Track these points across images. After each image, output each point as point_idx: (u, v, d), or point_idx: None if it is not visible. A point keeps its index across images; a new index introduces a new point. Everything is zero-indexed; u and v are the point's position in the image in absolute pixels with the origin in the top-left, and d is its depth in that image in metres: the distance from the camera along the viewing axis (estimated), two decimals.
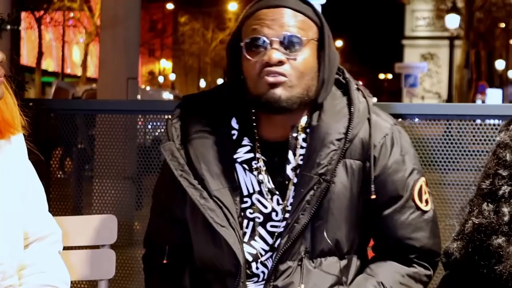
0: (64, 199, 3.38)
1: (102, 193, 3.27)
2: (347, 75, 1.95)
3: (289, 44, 1.81)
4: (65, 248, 1.86)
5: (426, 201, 1.91)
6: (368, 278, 1.88)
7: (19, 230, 1.67)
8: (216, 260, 1.87)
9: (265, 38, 1.81)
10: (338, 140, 1.83)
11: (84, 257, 2.14)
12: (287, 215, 1.86)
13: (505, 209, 1.46)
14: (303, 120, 1.89)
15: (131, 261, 3.26)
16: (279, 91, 1.80)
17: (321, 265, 1.84)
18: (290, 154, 1.87)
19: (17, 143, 1.71)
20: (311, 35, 1.85)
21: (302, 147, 1.87)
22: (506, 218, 1.46)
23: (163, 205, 2.01)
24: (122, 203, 3.32)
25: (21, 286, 1.68)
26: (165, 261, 1.95)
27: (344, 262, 1.87)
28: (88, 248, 2.17)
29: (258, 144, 1.89)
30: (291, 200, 1.86)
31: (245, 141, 1.90)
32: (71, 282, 1.79)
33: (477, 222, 1.48)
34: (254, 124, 1.90)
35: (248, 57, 1.84)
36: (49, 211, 1.81)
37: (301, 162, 1.86)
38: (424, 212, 1.90)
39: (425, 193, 1.92)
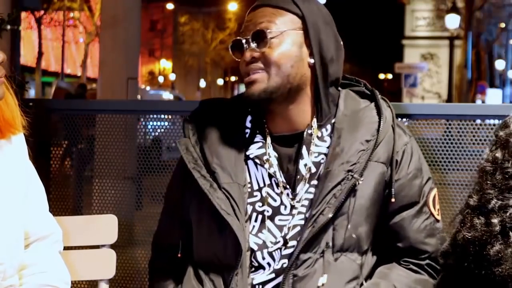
0: (64, 199, 3.38)
1: (102, 193, 3.26)
2: (370, 87, 2.05)
3: (257, 40, 1.91)
4: (65, 248, 1.86)
5: (438, 211, 2.00)
6: (382, 281, 1.92)
7: (19, 230, 1.67)
8: (218, 251, 1.90)
9: (241, 40, 1.94)
10: (367, 141, 1.92)
11: (84, 257, 2.14)
12: (302, 209, 1.91)
13: (495, 220, 1.47)
14: (314, 120, 1.95)
15: (131, 261, 3.25)
16: (254, 87, 1.91)
17: (342, 259, 1.88)
18: (304, 150, 1.94)
19: (18, 143, 1.71)
20: (288, 26, 1.93)
21: (317, 145, 1.94)
22: (497, 229, 1.46)
23: (173, 206, 2.06)
24: (122, 203, 3.32)
25: (22, 286, 1.69)
26: (179, 255, 2.01)
27: (362, 258, 1.92)
28: (88, 248, 2.17)
29: (269, 138, 1.97)
30: (306, 196, 1.92)
31: (258, 138, 1.98)
32: (71, 282, 1.79)
33: (469, 236, 1.49)
34: (265, 120, 1.98)
35: (236, 59, 1.96)
36: (49, 211, 1.81)
37: (315, 160, 1.93)
38: (437, 220, 1.99)
39: (437, 203, 2.01)
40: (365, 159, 1.90)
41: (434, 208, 1.98)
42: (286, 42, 1.92)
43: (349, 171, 1.88)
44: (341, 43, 2.01)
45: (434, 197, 1.99)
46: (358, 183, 1.88)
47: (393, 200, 1.92)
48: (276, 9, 1.94)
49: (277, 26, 1.92)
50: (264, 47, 1.90)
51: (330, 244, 1.87)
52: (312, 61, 1.93)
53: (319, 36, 1.93)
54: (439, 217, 1.99)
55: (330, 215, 1.86)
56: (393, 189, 1.92)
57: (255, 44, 1.91)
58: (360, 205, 1.89)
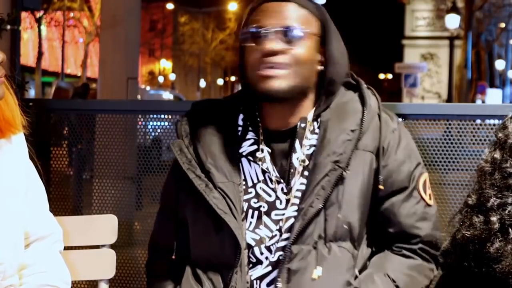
0: (64, 199, 3.38)
1: (102, 193, 3.26)
2: (356, 77, 2.05)
3: (289, 35, 1.89)
4: (65, 248, 1.86)
5: (430, 196, 2.00)
6: (374, 271, 1.92)
7: (19, 230, 1.67)
8: (216, 250, 1.90)
9: (266, 28, 1.89)
10: (352, 131, 1.92)
11: (84, 257, 2.15)
12: (295, 200, 1.91)
13: (494, 218, 1.47)
14: (310, 114, 1.96)
15: (131, 261, 3.25)
16: (274, 82, 1.87)
17: (335, 250, 1.88)
18: (297, 143, 1.94)
19: (18, 143, 1.71)
20: (312, 30, 1.92)
21: (309, 138, 1.95)
22: (496, 226, 1.47)
23: (169, 208, 2.06)
24: (122, 203, 3.32)
25: (22, 286, 1.69)
26: (173, 257, 2.02)
27: (356, 249, 1.92)
28: (88, 248, 2.17)
29: (262, 133, 1.97)
30: (298, 187, 1.92)
31: (249, 135, 1.98)
32: (71, 282, 1.79)
33: (468, 235, 1.50)
34: (258, 115, 1.98)
35: (250, 45, 1.91)
36: (49, 211, 1.81)
37: (308, 152, 1.93)
38: (428, 205, 1.98)
39: (428, 188, 2.00)
40: (351, 149, 1.90)
41: (425, 192, 1.98)
42: (309, 44, 1.92)
43: (335, 161, 1.88)
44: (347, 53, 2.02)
45: (425, 181, 1.99)
46: (346, 173, 1.88)
47: (380, 187, 1.92)
48: (303, 8, 1.93)
49: (305, 27, 1.91)
50: (294, 44, 1.89)
51: (322, 234, 1.87)
52: (320, 68, 1.95)
53: (332, 44, 1.94)
54: (431, 202, 1.99)
55: (320, 206, 1.86)
56: (380, 176, 1.92)
57: (283, 37, 1.89)
58: (350, 194, 1.89)
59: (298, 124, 1.94)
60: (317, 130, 1.95)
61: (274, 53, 1.87)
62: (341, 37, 2.00)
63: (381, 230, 1.98)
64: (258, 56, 1.89)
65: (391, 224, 1.96)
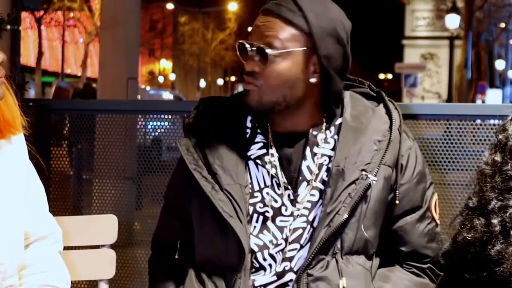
0: (64, 199, 3.38)
1: (102, 193, 3.27)
2: (375, 88, 2.02)
3: (260, 55, 1.86)
4: (65, 248, 1.86)
5: (438, 215, 2.01)
6: (385, 284, 1.91)
7: (19, 230, 1.67)
8: (220, 253, 1.89)
9: (247, 46, 1.87)
10: (379, 141, 1.90)
11: (84, 257, 2.14)
12: (305, 211, 1.89)
13: (495, 221, 1.47)
14: (323, 125, 1.93)
15: (131, 261, 3.26)
16: (250, 98, 1.89)
17: (352, 263, 1.87)
18: (308, 151, 1.91)
19: (18, 143, 1.71)
20: (294, 45, 1.85)
21: (322, 147, 1.92)
22: (497, 229, 1.46)
23: (173, 205, 2.04)
24: (122, 203, 3.32)
25: (22, 286, 1.69)
26: (176, 257, 2.00)
27: (370, 261, 1.91)
28: (88, 248, 2.17)
29: (271, 139, 1.94)
30: (308, 198, 1.90)
31: (258, 138, 1.95)
32: (71, 282, 1.79)
33: (469, 238, 1.50)
34: (267, 119, 1.96)
35: (242, 60, 1.91)
36: (49, 211, 1.81)
37: (319, 161, 1.91)
38: (437, 224, 2.00)
39: (437, 207, 2.01)
40: (378, 160, 1.88)
41: (436, 212, 1.99)
42: (288, 62, 1.85)
43: (363, 170, 1.86)
44: (350, 56, 1.93)
45: (436, 201, 2.00)
46: (373, 183, 1.86)
47: (397, 202, 1.91)
48: (285, 23, 1.85)
49: (283, 44, 1.84)
50: (265, 65, 1.85)
51: (339, 246, 1.86)
52: (314, 80, 1.88)
53: (327, 55, 1.86)
54: (438, 221, 2.00)
55: (346, 216, 1.83)
56: (397, 191, 1.91)
57: (258, 57, 1.86)
58: (370, 209, 1.87)
59: (310, 131, 1.92)
60: (330, 139, 1.92)
61: (248, 73, 1.88)
62: (344, 44, 1.90)
63: (392, 247, 1.97)
64: (244, 69, 1.90)
65: (403, 243, 1.95)
